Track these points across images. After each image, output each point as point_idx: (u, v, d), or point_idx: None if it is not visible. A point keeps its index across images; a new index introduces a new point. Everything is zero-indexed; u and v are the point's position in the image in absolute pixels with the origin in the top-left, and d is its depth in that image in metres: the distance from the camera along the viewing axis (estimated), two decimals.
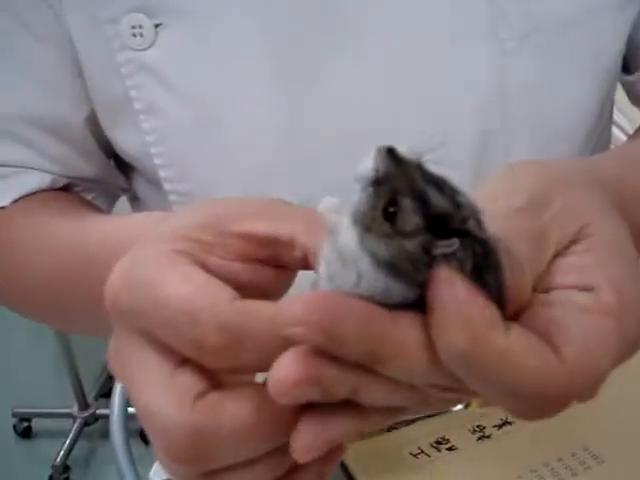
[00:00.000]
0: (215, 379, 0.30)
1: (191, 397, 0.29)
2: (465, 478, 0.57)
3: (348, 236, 0.27)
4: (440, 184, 0.26)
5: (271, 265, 0.33)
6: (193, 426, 0.28)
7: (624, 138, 1.06)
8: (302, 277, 0.34)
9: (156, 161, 0.53)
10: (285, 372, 0.26)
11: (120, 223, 0.45)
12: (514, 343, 0.25)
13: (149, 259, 0.31)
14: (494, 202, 0.30)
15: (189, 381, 0.29)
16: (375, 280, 0.26)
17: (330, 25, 0.50)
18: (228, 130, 0.52)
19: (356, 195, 0.27)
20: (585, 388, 0.26)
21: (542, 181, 0.31)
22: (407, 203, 0.26)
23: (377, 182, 0.27)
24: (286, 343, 0.28)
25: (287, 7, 0.49)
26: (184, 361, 0.30)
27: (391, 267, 0.26)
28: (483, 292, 0.25)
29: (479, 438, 0.60)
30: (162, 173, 0.53)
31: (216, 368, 0.30)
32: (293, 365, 0.26)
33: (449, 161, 0.51)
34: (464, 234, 0.25)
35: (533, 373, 0.25)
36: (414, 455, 0.58)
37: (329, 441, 0.28)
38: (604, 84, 0.54)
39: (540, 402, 0.26)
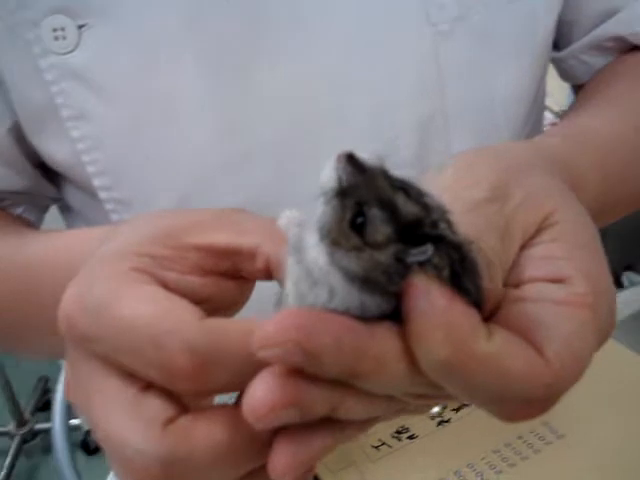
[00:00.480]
0: (181, 403, 0.28)
1: (159, 423, 0.27)
2: (428, 464, 0.57)
3: (316, 252, 0.25)
4: (406, 188, 0.25)
5: (230, 277, 0.32)
6: (164, 454, 0.27)
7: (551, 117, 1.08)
8: (263, 288, 0.33)
9: (89, 169, 0.50)
10: (261, 397, 0.25)
11: (61, 240, 0.42)
12: (498, 348, 0.24)
13: (105, 279, 0.29)
14: (455, 196, 0.29)
15: (156, 406, 0.28)
16: (349, 295, 0.25)
17: (262, 20, 0.48)
18: (162, 132, 0.49)
19: (320, 208, 0.26)
20: (570, 384, 0.26)
21: (500, 169, 0.31)
22: (375, 213, 0.25)
23: (342, 193, 0.25)
24: (259, 362, 0.26)
25: (215, 3, 0.47)
26: (148, 385, 0.28)
27: (364, 281, 0.24)
28: (462, 297, 0.24)
29: (439, 423, 0.60)
30: (96, 181, 0.51)
31: (185, 392, 0.28)
32: (268, 389, 0.25)
33: (392, 149, 0.51)
34: (437, 239, 0.24)
35: (519, 377, 0.24)
36: (376, 447, 0.58)
37: (307, 460, 0.27)
38: (539, 63, 0.54)
39: (526, 404, 0.25)
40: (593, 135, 0.44)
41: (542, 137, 0.46)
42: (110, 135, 0.50)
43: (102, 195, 0.51)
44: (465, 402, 0.27)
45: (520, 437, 0.58)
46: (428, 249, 0.24)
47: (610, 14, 0.56)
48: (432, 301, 0.24)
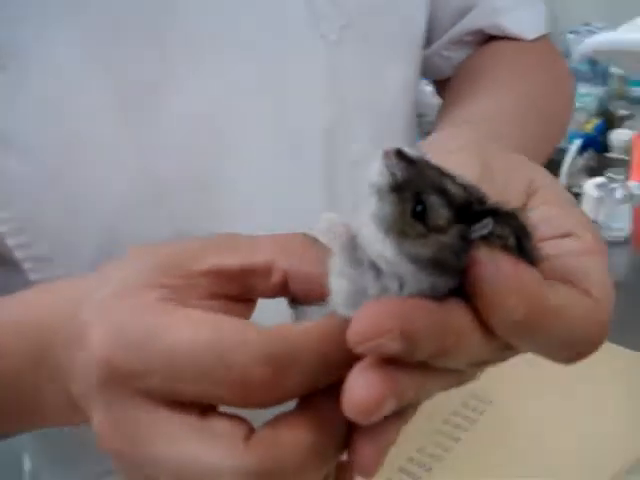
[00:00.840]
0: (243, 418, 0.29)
1: (240, 439, 0.27)
2: None
3: (381, 246, 0.26)
4: (448, 175, 0.27)
5: (240, 299, 0.32)
6: (257, 467, 0.27)
7: None
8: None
9: (1, 229, 0.47)
10: (364, 393, 0.25)
11: (21, 304, 0.39)
12: (563, 299, 0.26)
13: (139, 313, 0.29)
14: None
15: (227, 426, 0.28)
16: (419, 281, 0.26)
17: (164, 48, 0.48)
18: (78, 179, 0.47)
19: (375, 204, 0.27)
20: (610, 316, 0.29)
21: (476, 152, 0.33)
22: (434, 199, 0.26)
23: (397, 187, 0.27)
24: (331, 360, 0.27)
25: (114, 36, 0.46)
26: (205, 410, 0.28)
27: (435, 264, 0.26)
28: (524, 259, 0.26)
29: None
30: (11, 241, 0.47)
31: (256, 405, 0.28)
32: (370, 383, 0.25)
33: (302, 157, 0.52)
34: (492, 213, 0.26)
35: (584, 321, 0.27)
36: None
37: (386, 448, 0.28)
38: (417, 60, 0.58)
39: (589, 344, 0.28)
40: (499, 114, 0.49)
41: (467, 122, 0.50)
42: (21, 189, 0.46)
43: (19, 254, 0.48)
44: (532, 352, 0.28)
45: (455, 413, 0.61)
46: (489, 222, 0.25)
47: (467, 10, 0.61)
48: (501, 268, 0.25)
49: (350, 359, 0.26)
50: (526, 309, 0.25)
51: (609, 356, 0.62)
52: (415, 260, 0.26)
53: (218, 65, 0.49)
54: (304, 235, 0.33)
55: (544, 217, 0.31)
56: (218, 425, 0.28)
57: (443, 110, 0.58)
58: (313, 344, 0.27)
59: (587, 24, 1.66)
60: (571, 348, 0.27)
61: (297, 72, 0.52)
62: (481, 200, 0.27)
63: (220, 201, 0.50)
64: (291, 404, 0.29)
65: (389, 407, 0.25)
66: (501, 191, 0.31)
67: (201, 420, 0.28)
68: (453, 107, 0.54)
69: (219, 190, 0.50)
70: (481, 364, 0.29)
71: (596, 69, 1.45)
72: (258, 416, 0.28)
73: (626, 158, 1.15)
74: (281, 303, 0.33)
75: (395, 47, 0.55)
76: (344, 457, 0.29)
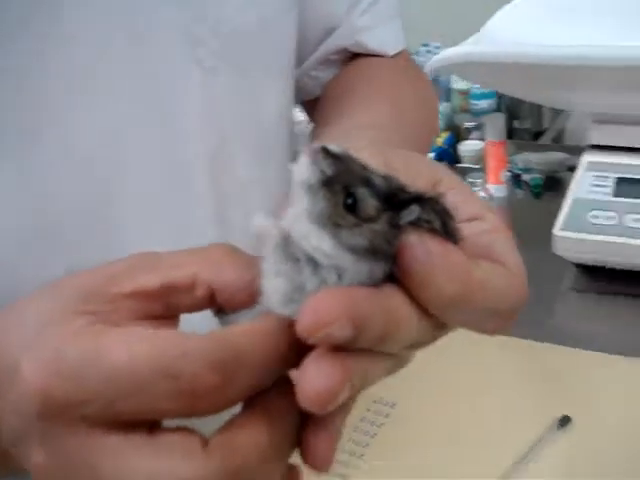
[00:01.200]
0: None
1: (197, 449, 0.27)
2: None
3: (317, 240, 0.27)
4: (370, 168, 0.29)
5: (165, 317, 0.32)
6: (222, 472, 0.27)
7: None
8: None
9: None
10: (323, 382, 0.25)
11: None
12: (487, 272, 0.29)
13: (71, 340, 0.28)
14: None
15: (179, 438, 0.27)
16: (357, 270, 0.27)
17: (44, 89, 0.46)
18: None
19: (306, 200, 0.28)
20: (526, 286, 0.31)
21: (377, 151, 0.35)
22: (362, 191, 0.28)
23: (327, 182, 0.28)
24: (274, 359, 0.28)
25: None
26: (152, 427, 0.28)
27: (371, 252, 0.27)
28: (449, 240, 0.28)
29: None
30: None
31: (204, 412, 0.27)
32: (326, 372, 0.26)
33: (191, 187, 0.52)
34: (416, 200, 0.28)
35: (506, 291, 0.29)
36: None
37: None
38: (292, 84, 0.60)
39: (511, 313, 0.30)
40: (377, 124, 0.51)
41: (359, 129, 0.51)
42: None
43: None
44: (462, 326, 0.30)
45: (363, 419, 0.63)
46: (415, 209, 0.27)
47: (332, 30, 0.63)
48: (431, 250, 0.27)
49: (290, 356, 0.27)
50: (456, 285, 0.27)
51: (503, 348, 0.67)
52: (352, 250, 0.27)
53: (96, 97, 0.49)
54: (225, 245, 0.33)
55: (451, 203, 0.33)
56: (171, 438, 0.27)
57: (318, 128, 0.59)
58: (256, 344, 0.27)
59: (425, 45, 1.75)
60: (497, 317, 0.29)
61: (175, 100, 0.51)
62: (403, 189, 0.28)
63: (114, 233, 0.49)
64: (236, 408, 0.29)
65: (345, 395, 0.26)
66: (409, 184, 0.32)
67: (152, 437, 0.27)
68: (329, 124, 0.56)
69: (112, 222, 0.49)
70: (416, 346, 0.30)
71: (439, 87, 1.53)
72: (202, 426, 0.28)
73: (477, 167, 1.22)
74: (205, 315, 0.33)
75: (270, 72, 0.56)
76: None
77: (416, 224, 0.27)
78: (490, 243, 0.31)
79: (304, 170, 0.28)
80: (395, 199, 0.28)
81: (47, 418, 0.27)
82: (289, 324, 0.27)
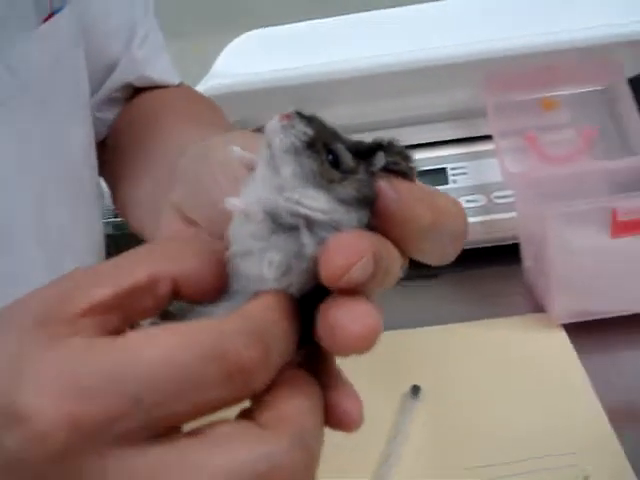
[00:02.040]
0: None
1: (258, 429, 0.25)
2: None
3: (313, 200, 0.28)
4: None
5: (122, 330, 0.30)
6: (292, 442, 0.25)
7: None
8: None
9: None
10: (365, 322, 0.26)
11: None
12: (444, 200, 0.30)
13: (71, 355, 0.25)
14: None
15: (231, 426, 0.25)
16: (350, 221, 0.28)
17: None
18: None
19: (290, 165, 0.28)
20: None
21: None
22: (339, 147, 0.29)
23: (310, 143, 0.28)
24: (295, 326, 0.28)
25: None
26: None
27: (360, 201, 0.28)
28: (412, 177, 0.30)
29: None
30: None
31: (258, 388, 0.26)
32: (363, 313, 0.26)
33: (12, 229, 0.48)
34: (378, 148, 0.29)
35: (459, 217, 0.31)
36: None
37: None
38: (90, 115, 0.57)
39: (463, 236, 0.31)
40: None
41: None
42: None
43: None
44: (430, 256, 0.32)
45: None
46: (381, 155, 0.29)
47: (113, 67, 0.60)
48: (405, 187, 0.28)
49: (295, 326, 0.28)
50: (430, 213, 0.29)
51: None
52: (345, 202, 0.28)
53: None
54: (178, 237, 0.31)
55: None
56: (223, 430, 0.25)
57: (123, 168, 0.57)
58: (276, 314, 0.27)
59: None
60: (455, 241, 0.31)
61: None
62: (361, 142, 0.30)
63: None
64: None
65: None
66: None
67: (199, 436, 0.25)
68: (139, 158, 0.55)
69: None
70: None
71: None
72: None
73: None
74: None
75: (73, 109, 0.54)
76: None
77: (385, 168, 0.29)
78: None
79: (285, 134, 0.28)
80: (357, 149, 0.29)
81: (73, 455, 0.23)
82: (288, 296, 0.28)
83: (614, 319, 0.69)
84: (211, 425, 0.25)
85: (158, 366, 0.24)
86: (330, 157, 0.28)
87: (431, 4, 0.91)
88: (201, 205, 0.36)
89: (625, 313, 0.69)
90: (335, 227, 0.28)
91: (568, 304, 0.70)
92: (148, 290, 0.28)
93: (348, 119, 0.92)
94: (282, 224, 0.28)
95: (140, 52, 0.62)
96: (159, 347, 0.24)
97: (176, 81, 0.65)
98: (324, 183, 0.28)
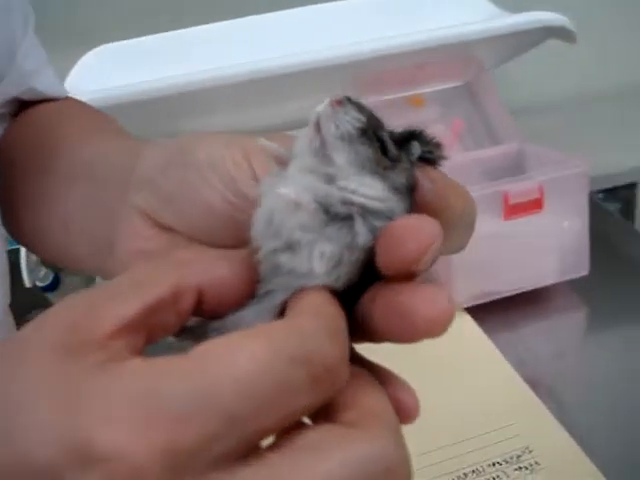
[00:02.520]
0: None
1: (348, 428, 0.24)
2: None
3: (371, 188, 0.27)
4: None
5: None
6: (390, 430, 0.24)
7: None
8: None
9: None
10: (439, 306, 0.25)
11: None
12: (465, 189, 0.30)
13: (135, 378, 0.22)
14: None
15: (319, 429, 0.24)
16: (402, 210, 0.27)
17: None
18: None
19: (345, 152, 0.27)
20: None
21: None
22: (385, 135, 0.28)
23: (364, 130, 0.27)
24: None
25: None
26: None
27: (409, 188, 0.27)
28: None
29: None
30: None
31: (339, 389, 0.24)
32: (438, 296, 0.25)
33: None
34: (411, 137, 0.28)
35: (474, 202, 0.30)
36: None
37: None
38: None
39: (474, 224, 0.31)
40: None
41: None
42: None
43: None
44: (456, 244, 0.33)
45: None
46: (417, 145, 0.28)
47: None
48: (441, 178, 0.28)
49: None
50: (461, 202, 0.29)
51: None
52: (398, 190, 0.27)
53: None
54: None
55: None
56: (312, 437, 0.23)
57: (25, 186, 0.52)
58: (336, 308, 0.26)
59: None
60: (472, 230, 0.31)
61: None
62: (394, 131, 0.29)
63: None
64: None
65: None
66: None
67: (289, 448, 0.23)
68: (52, 172, 0.50)
69: None
70: None
71: None
72: None
73: None
74: None
75: None
76: None
77: (419, 157, 0.29)
78: None
79: (339, 121, 0.27)
80: (393, 138, 0.28)
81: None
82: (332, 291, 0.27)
83: (513, 297, 0.73)
84: (290, 436, 0.23)
85: (249, 376, 0.22)
86: (379, 145, 0.27)
87: (290, 10, 0.92)
88: (182, 209, 0.34)
89: (523, 290, 0.74)
90: (389, 216, 0.27)
91: (469, 288, 0.73)
92: (172, 304, 0.26)
93: (220, 128, 0.90)
94: (334, 214, 0.27)
95: (26, 64, 0.57)
96: (245, 355, 0.22)
97: (64, 93, 0.60)
98: (380, 171, 0.27)
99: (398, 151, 0.28)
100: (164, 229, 0.34)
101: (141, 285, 0.26)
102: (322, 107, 0.27)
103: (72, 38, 0.87)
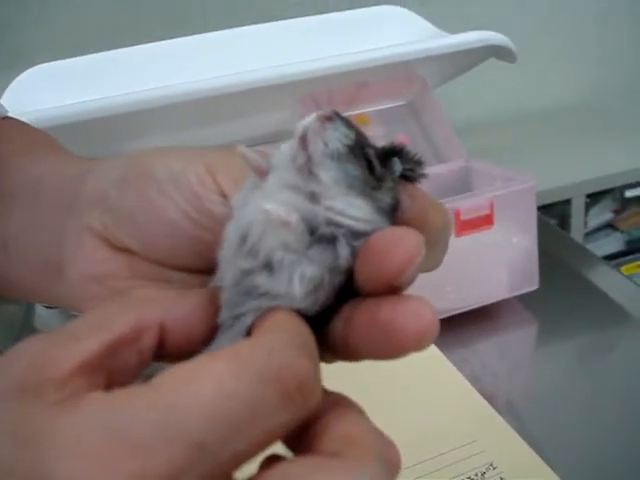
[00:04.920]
0: None
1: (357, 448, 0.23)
2: None
3: (358, 209, 0.26)
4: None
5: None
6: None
7: None
8: None
9: None
10: (423, 318, 0.25)
11: None
12: (443, 206, 0.29)
13: (117, 406, 0.21)
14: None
15: (331, 457, 0.23)
16: (384, 225, 0.26)
17: None
18: None
19: (331, 170, 0.26)
20: None
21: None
22: (371, 152, 0.27)
23: (352, 147, 0.26)
24: None
25: None
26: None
27: (394, 208, 0.27)
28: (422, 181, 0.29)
29: None
30: None
31: (313, 407, 0.23)
32: (422, 308, 0.25)
33: None
34: (391, 154, 0.28)
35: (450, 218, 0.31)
36: None
37: None
38: None
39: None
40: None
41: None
42: None
43: None
44: (434, 259, 0.32)
45: None
46: (397, 162, 0.27)
47: None
48: (422, 194, 0.28)
49: None
50: (441, 219, 0.28)
51: None
52: (383, 211, 0.26)
53: None
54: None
55: None
56: (291, 470, 0.22)
57: None
58: (302, 324, 0.25)
59: None
60: (447, 246, 0.31)
61: None
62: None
63: None
64: None
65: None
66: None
67: (273, 476, 0.22)
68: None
69: None
70: None
71: None
72: None
73: None
74: None
75: None
76: None
77: (402, 176, 0.28)
78: None
79: (327, 137, 0.26)
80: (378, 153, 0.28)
81: None
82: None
83: (466, 313, 0.74)
84: (270, 471, 0.22)
85: (215, 400, 0.21)
86: (366, 163, 0.26)
87: (232, 30, 0.91)
88: (140, 228, 0.32)
89: (476, 306, 0.74)
90: (372, 230, 0.26)
91: None
92: (134, 342, 0.25)
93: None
94: (319, 235, 0.25)
95: None
96: (210, 379, 0.21)
97: (3, 114, 0.58)
98: (368, 191, 0.26)
99: (383, 169, 0.27)
100: (120, 250, 0.33)
101: (100, 325, 0.24)
102: (309, 121, 0.26)
103: (5, 58, 0.84)
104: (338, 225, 0.25)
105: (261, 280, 0.25)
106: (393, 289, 0.25)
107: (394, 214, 0.27)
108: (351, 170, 0.26)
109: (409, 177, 0.28)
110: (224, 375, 0.21)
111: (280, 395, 0.22)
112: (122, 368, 0.24)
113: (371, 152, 0.27)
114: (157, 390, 0.21)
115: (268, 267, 0.25)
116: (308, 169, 0.26)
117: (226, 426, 0.21)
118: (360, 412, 0.25)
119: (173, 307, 0.26)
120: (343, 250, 0.25)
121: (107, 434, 0.20)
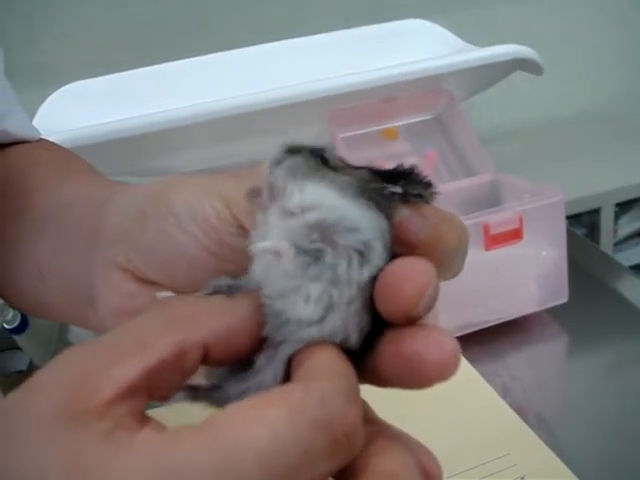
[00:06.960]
0: None
1: None
2: None
3: (312, 193, 0.27)
4: None
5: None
6: None
7: None
8: None
9: None
10: (445, 349, 0.25)
11: None
12: (458, 219, 0.29)
13: (172, 449, 0.22)
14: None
15: None
16: (371, 227, 0.27)
17: None
18: None
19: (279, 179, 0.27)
20: None
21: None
22: (329, 149, 0.28)
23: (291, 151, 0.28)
24: None
25: None
26: None
27: (372, 199, 0.27)
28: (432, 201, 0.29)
29: None
30: None
31: (355, 452, 0.24)
32: (444, 339, 0.26)
33: None
34: (400, 176, 0.28)
35: (466, 229, 0.30)
36: None
37: None
38: None
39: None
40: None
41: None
42: None
43: None
44: (450, 275, 0.32)
45: None
46: (402, 183, 0.28)
47: None
48: (436, 212, 0.28)
49: None
50: (456, 234, 0.28)
51: None
52: (347, 193, 0.27)
53: None
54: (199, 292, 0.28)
55: None
56: None
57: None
58: (346, 364, 0.26)
59: None
60: (465, 257, 0.30)
61: None
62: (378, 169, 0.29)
63: None
64: None
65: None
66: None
67: None
68: (20, 219, 0.49)
69: None
70: None
71: None
72: None
73: None
74: None
75: None
76: None
77: (406, 197, 0.28)
78: None
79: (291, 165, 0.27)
80: (377, 173, 0.29)
81: None
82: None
83: (496, 327, 0.74)
84: None
85: (270, 447, 0.21)
86: (318, 160, 0.28)
87: (262, 46, 0.92)
88: (163, 263, 0.33)
89: (506, 319, 0.74)
90: (361, 238, 0.26)
91: (454, 319, 0.74)
92: (176, 363, 0.25)
93: (196, 165, 0.90)
94: (309, 253, 0.26)
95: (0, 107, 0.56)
96: (265, 425, 0.22)
97: (37, 136, 0.59)
98: (313, 174, 0.27)
99: (346, 163, 0.28)
100: (147, 283, 0.33)
101: (142, 344, 0.25)
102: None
103: (33, 74, 0.86)
104: (313, 231, 0.26)
105: (280, 308, 0.26)
106: (412, 319, 0.26)
107: (384, 214, 0.27)
108: (293, 163, 0.27)
109: (415, 197, 0.28)
110: (279, 421, 0.22)
111: (329, 442, 0.22)
112: (164, 387, 0.25)
113: (327, 149, 0.28)
114: (213, 434, 0.22)
115: (282, 296, 0.26)
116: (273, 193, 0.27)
117: (279, 472, 0.21)
118: (402, 446, 0.26)
119: (217, 325, 0.26)
120: (329, 257, 0.26)
121: (163, 476, 0.21)
